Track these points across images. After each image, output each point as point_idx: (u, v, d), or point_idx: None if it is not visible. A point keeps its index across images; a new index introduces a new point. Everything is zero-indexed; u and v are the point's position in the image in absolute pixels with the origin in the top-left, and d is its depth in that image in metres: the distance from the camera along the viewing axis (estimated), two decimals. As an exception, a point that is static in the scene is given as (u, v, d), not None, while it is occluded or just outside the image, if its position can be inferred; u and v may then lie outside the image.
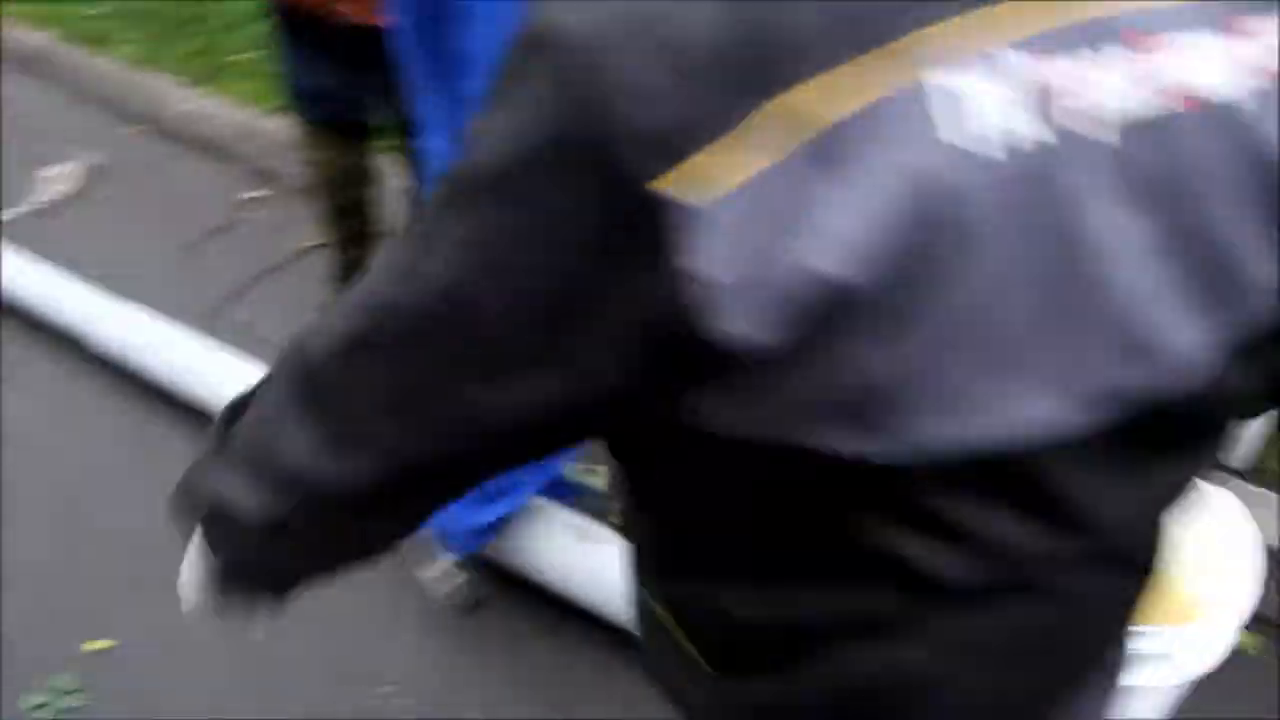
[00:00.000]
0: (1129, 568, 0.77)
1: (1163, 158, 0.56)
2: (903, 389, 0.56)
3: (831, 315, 0.52)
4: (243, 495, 0.74)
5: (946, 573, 0.66)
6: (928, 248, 0.52)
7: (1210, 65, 0.57)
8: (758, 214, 0.50)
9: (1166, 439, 0.67)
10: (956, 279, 0.53)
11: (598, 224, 0.53)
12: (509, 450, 0.65)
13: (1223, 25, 0.58)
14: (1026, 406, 0.58)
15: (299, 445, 0.68)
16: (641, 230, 0.51)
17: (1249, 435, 2.08)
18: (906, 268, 0.52)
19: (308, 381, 0.68)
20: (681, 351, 0.54)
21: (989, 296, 0.54)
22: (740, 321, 0.52)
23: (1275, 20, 0.59)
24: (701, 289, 0.51)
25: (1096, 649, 0.82)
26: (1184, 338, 0.60)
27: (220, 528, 0.80)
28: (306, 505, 0.71)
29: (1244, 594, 1.39)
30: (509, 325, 0.57)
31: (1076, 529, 0.67)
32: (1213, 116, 0.57)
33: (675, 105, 0.50)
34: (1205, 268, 0.60)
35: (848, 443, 0.58)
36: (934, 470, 0.59)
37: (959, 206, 0.52)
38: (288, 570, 0.84)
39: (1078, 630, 0.77)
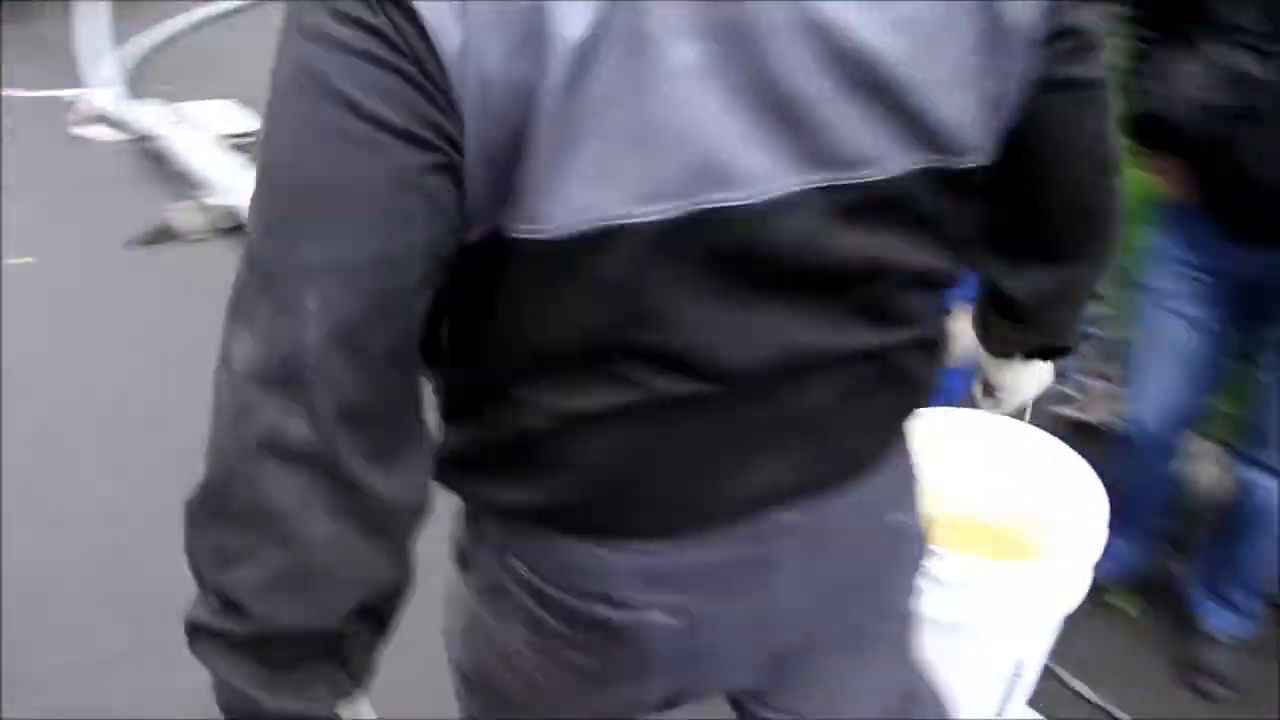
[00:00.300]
0: (730, 381, 0.88)
1: (732, 12, 0.72)
2: (537, 179, 0.72)
3: (502, 132, 0.70)
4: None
5: (531, 337, 0.83)
6: (545, 78, 0.68)
7: None
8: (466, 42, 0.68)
9: (768, 270, 0.83)
10: (568, 102, 0.70)
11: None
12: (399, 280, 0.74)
13: None
14: (610, 198, 0.74)
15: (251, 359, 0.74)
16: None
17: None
18: (533, 92, 0.69)
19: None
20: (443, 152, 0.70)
21: (589, 113, 0.71)
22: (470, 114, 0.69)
23: None
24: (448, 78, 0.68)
25: (707, 456, 0.93)
26: (750, 162, 0.76)
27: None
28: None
29: (1093, 538, 1.54)
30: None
31: (652, 321, 0.82)
32: None
33: None
34: (777, 112, 0.76)
35: (517, 224, 0.75)
36: (545, 251, 0.75)
37: (568, 47, 0.68)
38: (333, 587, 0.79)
39: (674, 424, 0.89)
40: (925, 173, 0.84)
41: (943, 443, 1.49)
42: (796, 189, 0.79)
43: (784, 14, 0.74)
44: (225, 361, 0.74)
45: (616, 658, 1.02)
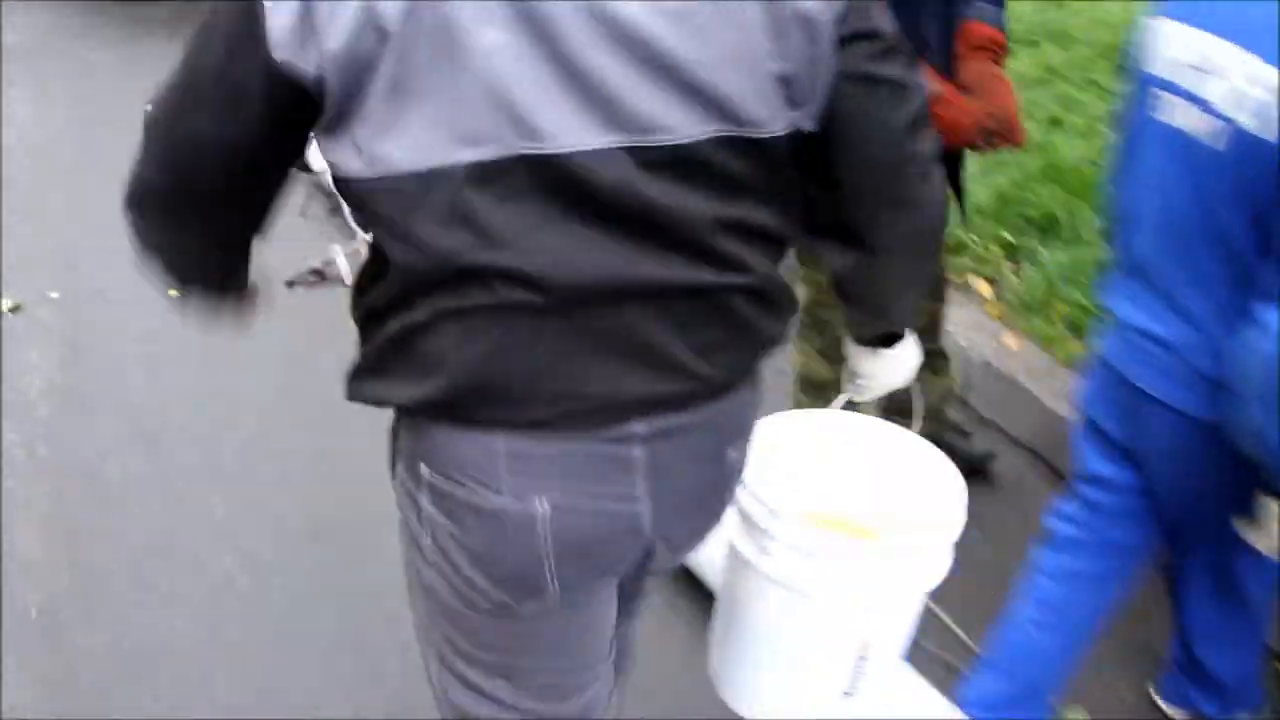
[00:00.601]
0: (564, 297, 1.12)
1: (528, 10, 1.00)
2: (367, 125, 1.04)
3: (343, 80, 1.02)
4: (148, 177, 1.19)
5: (402, 259, 1.12)
6: (374, 47, 0.99)
7: None
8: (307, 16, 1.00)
9: (592, 208, 1.09)
10: (391, 66, 1.01)
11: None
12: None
13: None
14: (430, 140, 1.04)
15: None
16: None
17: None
18: (362, 59, 1.00)
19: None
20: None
21: (408, 76, 1.01)
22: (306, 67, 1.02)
23: None
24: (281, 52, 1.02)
25: (557, 359, 1.16)
26: (558, 121, 1.04)
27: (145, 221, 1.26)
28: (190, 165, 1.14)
29: (948, 524, 1.63)
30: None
31: (493, 244, 1.08)
32: None
33: None
34: (578, 84, 1.04)
35: (351, 167, 1.08)
36: (406, 193, 1.07)
37: (392, 23, 0.99)
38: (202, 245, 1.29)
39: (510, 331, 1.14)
40: (722, 139, 1.11)
41: (816, 442, 1.72)
42: (602, 146, 1.06)
43: (572, 7, 1.02)
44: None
45: (507, 542, 1.24)
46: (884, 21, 1.20)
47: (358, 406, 1.26)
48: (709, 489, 1.37)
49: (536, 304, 1.12)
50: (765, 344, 1.31)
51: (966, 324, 3.43)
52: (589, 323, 1.15)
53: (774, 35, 1.10)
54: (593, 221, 1.11)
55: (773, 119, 1.14)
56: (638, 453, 1.23)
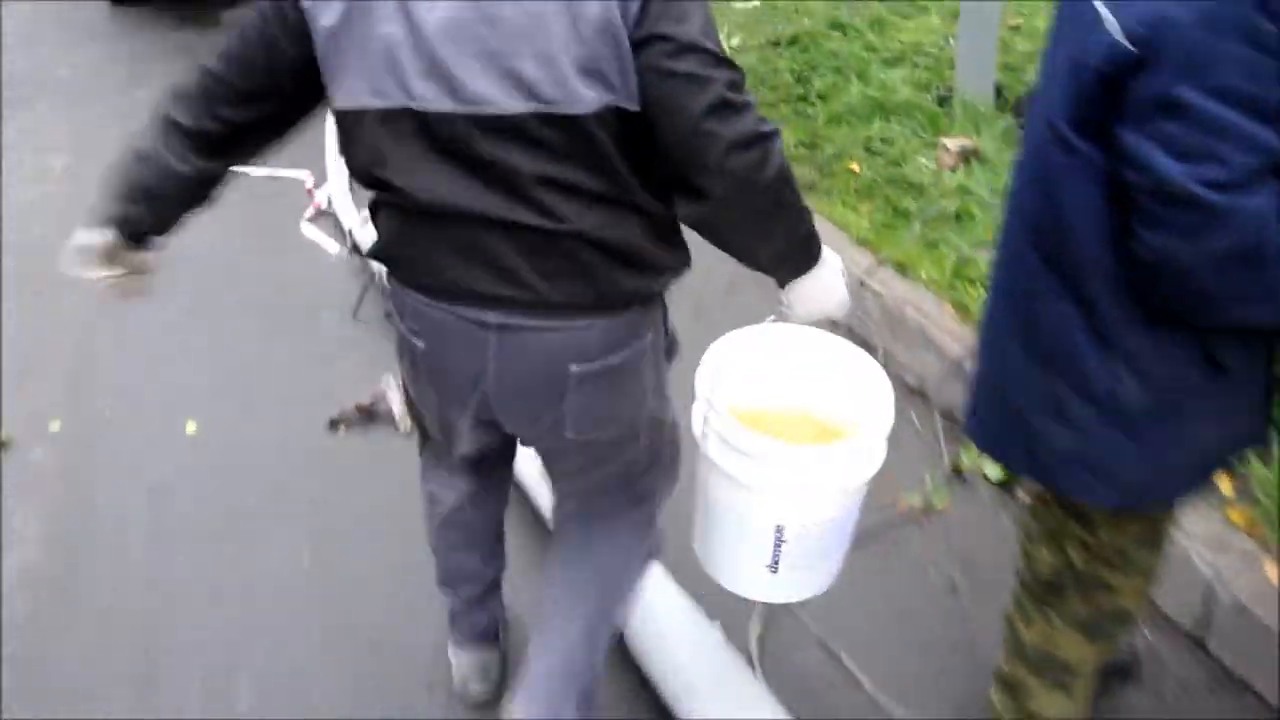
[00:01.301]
0: (429, 209, 1.67)
1: (404, 10, 1.55)
2: (330, 73, 1.64)
3: (327, 40, 1.61)
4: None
5: (376, 173, 1.68)
6: (347, 18, 1.58)
7: None
8: None
9: (451, 151, 1.62)
10: (339, 42, 1.60)
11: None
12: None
13: None
14: (358, 90, 1.61)
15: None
16: None
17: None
18: (345, 28, 1.59)
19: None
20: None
21: (350, 42, 1.59)
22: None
23: None
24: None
25: (433, 248, 1.73)
26: (424, 90, 1.58)
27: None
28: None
29: (883, 416, 1.88)
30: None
31: (387, 166, 1.66)
32: None
33: None
34: (435, 67, 1.56)
35: (334, 100, 1.67)
36: (350, 121, 1.67)
37: (338, 11, 1.58)
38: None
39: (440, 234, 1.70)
40: (538, 114, 1.56)
41: (763, 351, 1.99)
42: (449, 110, 1.58)
43: (431, 14, 1.54)
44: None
45: (410, 360, 1.91)
46: (678, 27, 1.53)
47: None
48: (544, 388, 1.81)
49: (410, 210, 1.69)
50: (613, 287, 1.72)
51: (1207, 539, 2.54)
52: (447, 231, 1.68)
53: (574, 37, 1.52)
54: (449, 161, 1.62)
55: (576, 100, 1.55)
56: (490, 336, 1.75)
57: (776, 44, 5.99)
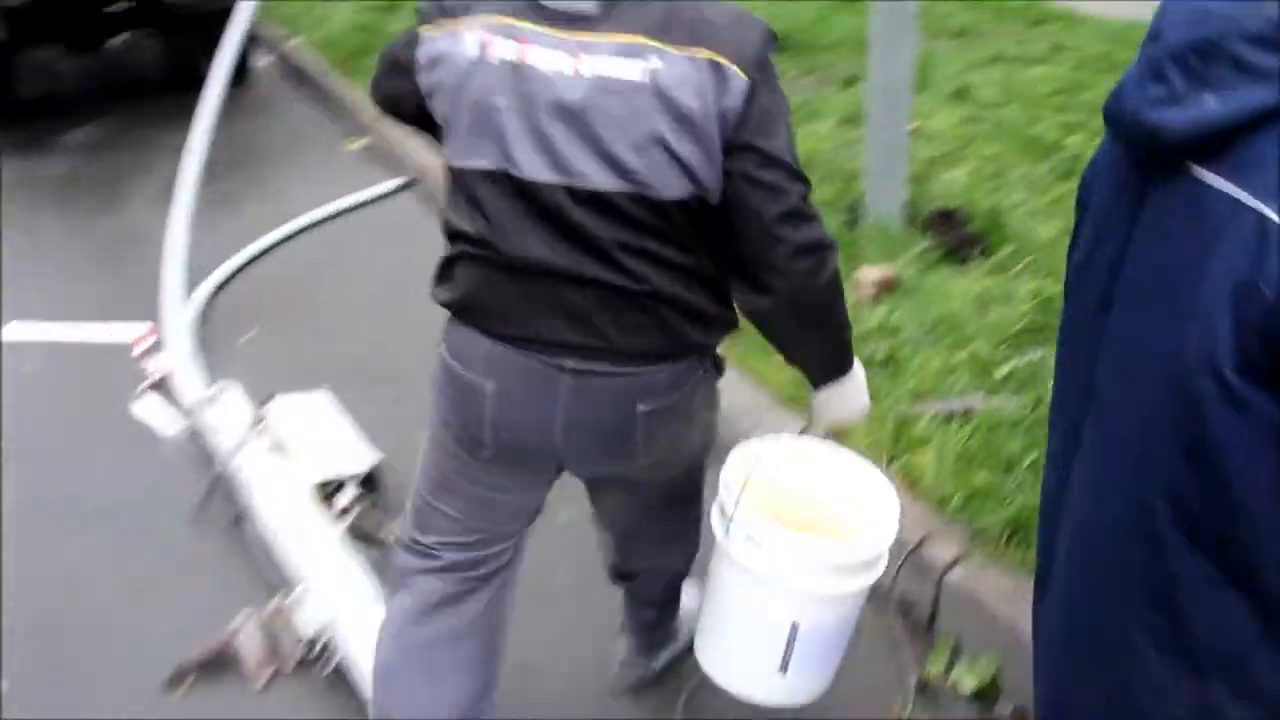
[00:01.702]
0: (518, 265, 1.86)
1: (522, 87, 1.77)
2: (442, 124, 1.90)
3: (437, 102, 1.89)
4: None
5: (467, 226, 1.88)
6: (440, 86, 1.86)
7: (545, 59, 1.76)
8: (430, 60, 1.86)
9: (544, 214, 1.81)
10: (453, 101, 1.84)
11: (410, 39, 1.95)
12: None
13: (570, 50, 1.76)
14: (467, 149, 1.84)
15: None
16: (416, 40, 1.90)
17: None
18: (446, 91, 1.85)
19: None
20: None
21: (460, 110, 1.83)
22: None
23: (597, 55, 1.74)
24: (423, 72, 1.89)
25: (515, 301, 1.90)
26: (526, 159, 1.78)
27: None
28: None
29: (889, 524, 2.07)
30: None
31: (483, 221, 1.86)
32: (536, 79, 1.76)
33: (431, 13, 1.87)
34: (541, 141, 1.77)
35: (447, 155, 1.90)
36: (455, 176, 1.89)
37: (458, 73, 1.82)
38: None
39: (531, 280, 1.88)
40: (627, 193, 1.76)
41: (784, 459, 2.15)
42: (548, 180, 1.78)
43: (542, 93, 1.75)
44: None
45: (467, 407, 1.98)
46: (768, 142, 1.76)
47: None
48: (614, 427, 1.94)
49: (498, 263, 1.86)
50: (680, 339, 1.90)
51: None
52: (533, 285, 1.85)
53: (671, 133, 1.72)
54: (543, 223, 1.81)
55: (667, 187, 1.75)
56: (566, 379, 1.89)
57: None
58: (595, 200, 1.77)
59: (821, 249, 1.81)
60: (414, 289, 2.35)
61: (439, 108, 1.86)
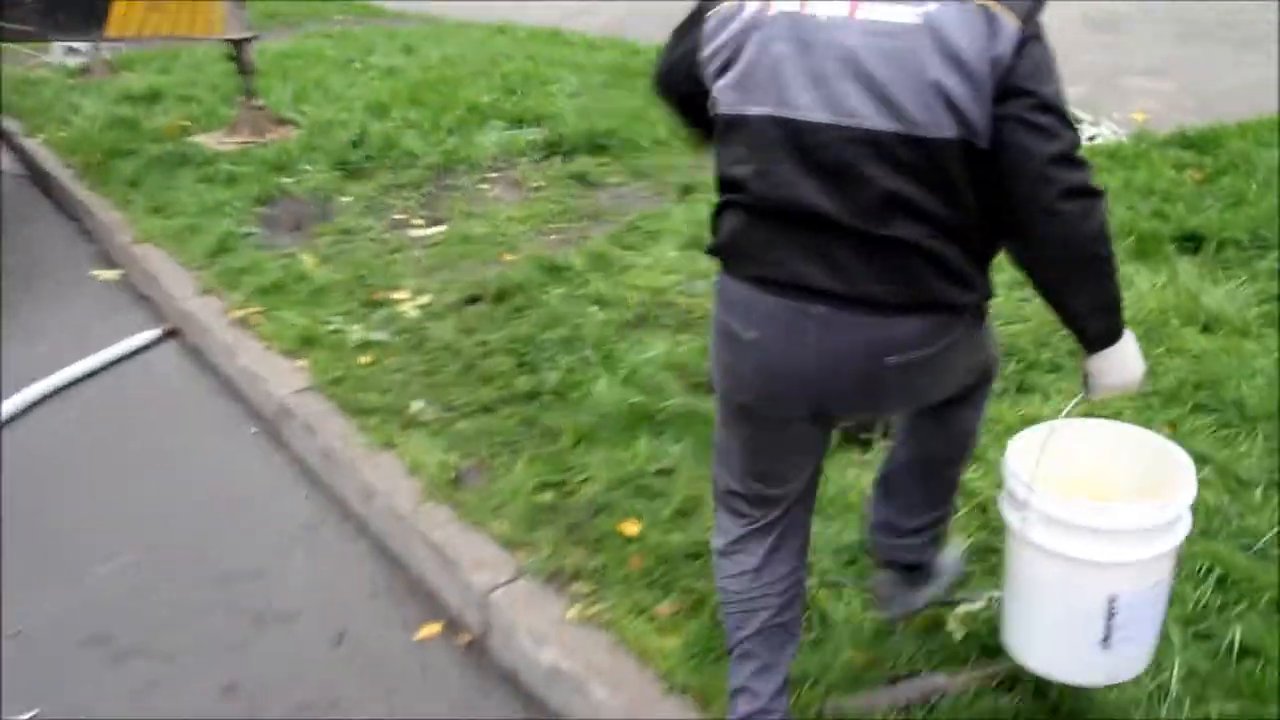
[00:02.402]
0: (783, 209, 1.90)
1: (803, 34, 1.84)
2: (729, 82, 1.93)
3: (717, 60, 1.95)
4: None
5: (736, 173, 1.96)
6: (722, 44, 1.93)
7: (823, 7, 1.84)
8: (716, 24, 1.95)
9: (816, 157, 1.86)
10: (732, 53, 1.92)
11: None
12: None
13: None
14: (739, 99, 1.92)
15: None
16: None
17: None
18: (726, 48, 1.93)
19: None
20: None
21: (738, 61, 1.91)
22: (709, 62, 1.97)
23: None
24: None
25: (777, 242, 1.94)
26: (803, 100, 1.84)
27: None
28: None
29: (1186, 477, 2.08)
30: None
31: (748, 165, 1.93)
32: (827, 25, 1.83)
33: None
34: (815, 80, 1.84)
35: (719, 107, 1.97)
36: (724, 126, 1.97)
37: (739, 29, 1.91)
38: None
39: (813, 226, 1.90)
40: (899, 135, 1.79)
41: (1065, 442, 2.14)
42: (823, 121, 1.83)
43: (819, 38, 1.82)
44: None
45: (734, 353, 2.04)
46: (1042, 87, 1.80)
47: None
48: (863, 376, 1.96)
49: (760, 209, 1.94)
50: (929, 293, 1.90)
51: None
52: (792, 230, 1.92)
53: (947, 75, 1.77)
54: (810, 166, 1.87)
55: (939, 128, 1.79)
56: (812, 326, 1.93)
57: (476, 300, 4.63)
58: (867, 141, 1.82)
59: (1093, 194, 1.83)
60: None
61: (715, 64, 1.96)
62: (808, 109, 1.83)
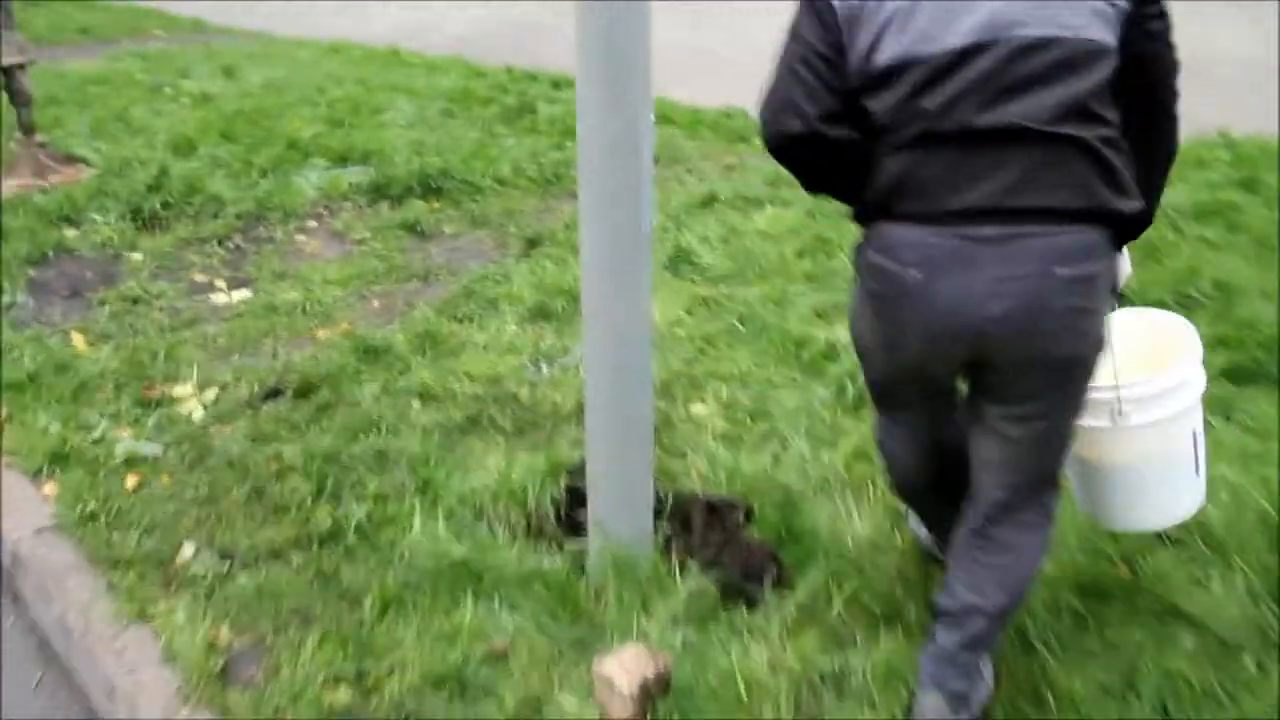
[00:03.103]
0: (963, 134, 2.00)
1: None
2: (870, 33, 2.04)
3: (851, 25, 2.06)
4: None
5: (891, 119, 2.05)
6: (861, 9, 2.04)
7: None
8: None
9: (996, 82, 1.98)
10: (874, 12, 2.03)
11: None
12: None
13: None
14: (898, 47, 2.02)
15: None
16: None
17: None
18: (868, 11, 2.04)
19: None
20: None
21: (879, 17, 2.02)
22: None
23: None
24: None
25: (944, 178, 2.03)
26: (954, 22, 1.99)
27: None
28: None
29: (1195, 347, 2.48)
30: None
31: (934, 96, 2.00)
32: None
33: None
34: (971, 13, 2.00)
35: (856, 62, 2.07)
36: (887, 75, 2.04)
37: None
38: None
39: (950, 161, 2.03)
40: (1060, 40, 1.94)
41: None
42: (983, 40, 1.95)
43: None
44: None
45: (896, 300, 2.11)
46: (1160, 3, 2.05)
47: None
48: (1033, 295, 2.02)
49: (931, 138, 2.03)
50: (1100, 201, 2.03)
51: None
52: (964, 153, 2.01)
53: None
54: (971, 86, 1.98)
55: (1092, 32, 1.97)
56: (986, 251, 2.01)
57: (275, 395, 3.84)
58: (1030, 49, 1.96)
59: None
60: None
61: (858, 23, 2.05)
62: (969, 34, 1.98)
